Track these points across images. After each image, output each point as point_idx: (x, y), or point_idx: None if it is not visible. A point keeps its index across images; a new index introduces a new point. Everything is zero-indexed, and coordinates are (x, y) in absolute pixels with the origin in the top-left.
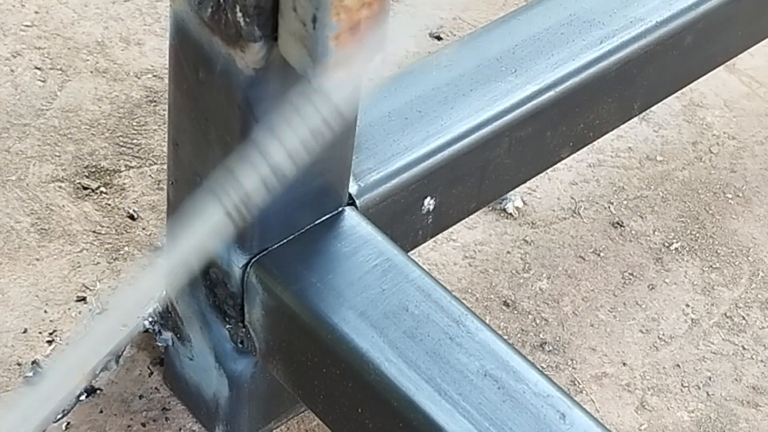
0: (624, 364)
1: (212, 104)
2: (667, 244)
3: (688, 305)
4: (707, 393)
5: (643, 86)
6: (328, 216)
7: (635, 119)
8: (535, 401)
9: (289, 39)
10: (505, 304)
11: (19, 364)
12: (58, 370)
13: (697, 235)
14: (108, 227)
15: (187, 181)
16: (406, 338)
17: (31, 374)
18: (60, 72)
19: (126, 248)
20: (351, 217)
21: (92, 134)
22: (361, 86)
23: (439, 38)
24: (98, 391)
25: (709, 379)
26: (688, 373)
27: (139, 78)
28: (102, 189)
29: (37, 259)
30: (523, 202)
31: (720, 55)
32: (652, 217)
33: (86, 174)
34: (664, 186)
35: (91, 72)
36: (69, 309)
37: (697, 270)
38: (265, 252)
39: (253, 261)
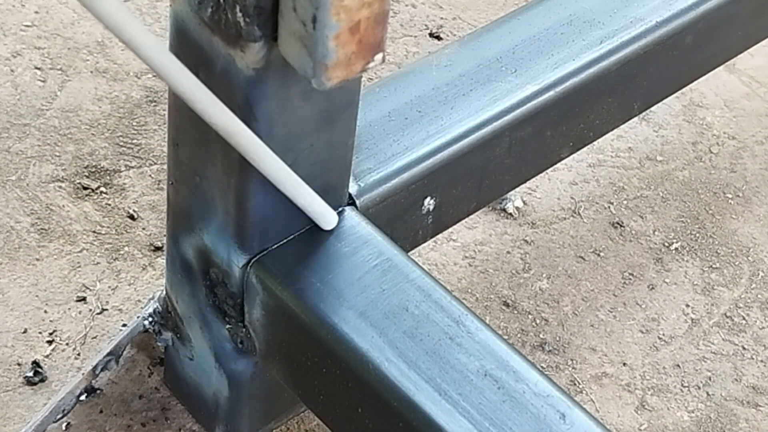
0: (624, 364)
1: None
2: (667, 244)
3: (688, 305)
4: (707, 393)
5: (643, 86)
6: None
7: (635, 119)
8: (535, 401)
9: (289, 39)
10: (505, 304)
11: (19, 364)
12: None
13: (697, 235)
14: (108, 227)
15: (187, 181)
16: (406, 338)
17: (31, 374)
18: (60, 72)
19: (126, 248)
20: (351, 217)
21: (92, 134)
22: (361, 86)
23: (439, 38)
24: (98, 391)
25: (709, 379)
26: (688, 373)
27: (139, 78)
28: (102, 189)
29: (37, 259)
30: (523, 202)
31: (720, 55)
32: (652, 217)
33: (86, 174)
34: (664, 186)
35: (91, 72)
36: (69, 309)
37: (697, 270)
38: (265, 252)
39: (253, 261)
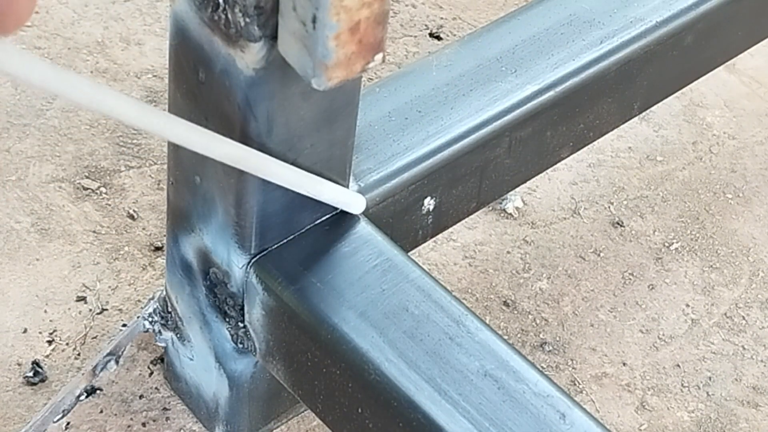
0: (624, 364)
1: (212, 104)
2: (667, 244)
3: (688, 305)
4: (707, 393)
5: (643, 86)
6: (328, 216)
7: (635, 119)
8: (535, 401)
9: (289, 39)
10: (505, 304)
11: (19, 364)
12: None
13: (697, 235)
14: (108, 227)
15: (187, 181)
16: (406, 338)
17: (31, 374)
18: None
19: (126, 248)
20: (351, 217)
21: (92, 134)
22: (361, 86)
23: (439, 38)
24: (98, 391)
25: (709, 379)
26: (688, 373)
27: (139, 78)
28: (102, 189)
29: (37, 259)
30: (523, 202)
31: (720, 55)
32: (652, 217)
33: (86, 174)
34: (664, 186)
35: (91, 72)
36: (69, 309)
37: (697, 270)
38: (265, 252)
39: (253, 261)
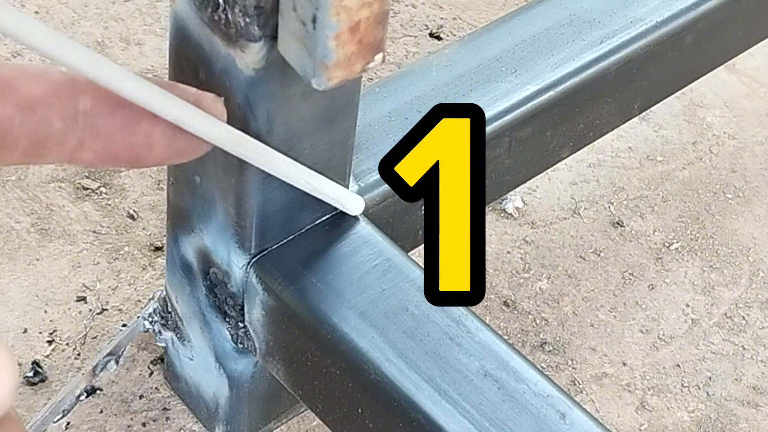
0: (624, 364)
1: None
2: (667, 244)
3: (688, 305)
4: (707, 393)
5: (643, 86)
6: (328, 216)
7: (635, 119)
8: (535, 401)
9: (288, 39)
10: (505, 304)
11: (19, 364)
12: None
13: (697, 235)
14: (108, 227)
15: (187, 181)
16: (406, 338)
17: (31, 374)
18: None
19: (126, 248)
20: (351, 217)
21: None
22: (361, 86)
23: (439, 38)
24: (98, 391)
25: (709, 379)
26: (688, 373)
27: None
28: (102, 189)
29: (37, 259)
30: (523, 202)
31: (720, 55)
32: (652, 217)
33: (86, 174)
34: (664, 186)
35: None
36: (69, 309)
37: (697, 270)
38: (265, 252)
39: (253, 261)
